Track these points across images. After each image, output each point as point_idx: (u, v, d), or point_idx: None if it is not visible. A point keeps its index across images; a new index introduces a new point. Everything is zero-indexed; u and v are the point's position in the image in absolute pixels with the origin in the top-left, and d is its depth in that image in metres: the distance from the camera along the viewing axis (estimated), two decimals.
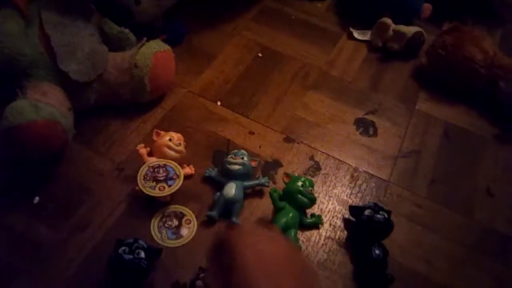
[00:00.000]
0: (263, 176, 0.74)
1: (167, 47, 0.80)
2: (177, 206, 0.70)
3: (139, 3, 0.87)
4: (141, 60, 0.76)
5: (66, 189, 0.71)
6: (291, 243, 0.57)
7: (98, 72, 0.75)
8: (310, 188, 0.69)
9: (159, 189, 0.66)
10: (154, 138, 0.72)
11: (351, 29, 1.03)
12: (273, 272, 0.43)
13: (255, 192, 0.73)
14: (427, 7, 1.02)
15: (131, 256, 0.58)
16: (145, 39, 0.79)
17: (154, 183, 0.67)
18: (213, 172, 0.73)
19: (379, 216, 0.66)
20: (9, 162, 0.72)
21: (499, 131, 0.87)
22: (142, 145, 0.72)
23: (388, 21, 0.97)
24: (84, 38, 0.73)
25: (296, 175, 0.72)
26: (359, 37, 1.02)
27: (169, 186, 0.67)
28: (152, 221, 0.68)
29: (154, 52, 0.77)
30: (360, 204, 0.72)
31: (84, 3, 0.75)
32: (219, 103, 0.86)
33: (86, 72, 0.73)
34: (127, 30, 0.81)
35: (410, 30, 0.96)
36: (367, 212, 0.66)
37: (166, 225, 0.68)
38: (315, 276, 0.57)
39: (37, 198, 0.69)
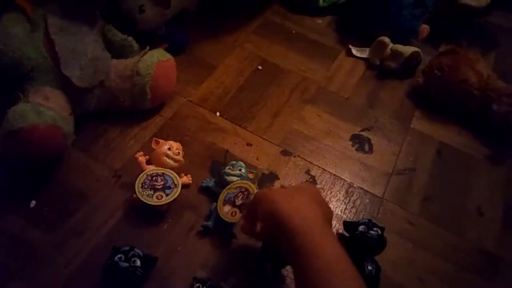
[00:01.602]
0: (260, 188, 0.75)
1: (169, 56, 0.81)
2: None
3: (143, 12, 0.87)
4: (143, 68, 0.76)
5: (63, 194, 0.71)
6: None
7: (100, 78, 0.75)
8: None
9: (157, 198, 0.67)
10: (153, 146, 0.73)
11: (350, 46, 1.05)
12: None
13: None
14: (424, 28, 1.05)
15: (127, 264, 0.58)
16: (148, 47, 0.80)
17: (152, 191, 0.67)
18: (210, 182, 0.74)
19: (372, 232, 0.67)
20: (6, 165, 0.72)
21: (491, 152, 0.89)
22: (141, 153, 0.72)
23: (386, 40, 0.99)
24: (87, 44, 0.74)
25: None
26: (358, 55, 1.04)
27: (167, 195, 0.67)
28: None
29: (157, 61, 0.78)
30: (354, 219, 0.73)
31: (89, 9, 0.75)
32: (218, 113, 0.87)
33: (88, 78, 0.73)
34: (130, 38, 0.81)
35: (408, 50, 0.98)
36: (361, 228, 0.67)
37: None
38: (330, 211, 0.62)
39: (33, 202, 0.69)
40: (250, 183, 0.70)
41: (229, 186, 0.70)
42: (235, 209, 0.68)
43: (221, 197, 0.69)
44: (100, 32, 0.78)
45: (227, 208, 0.68)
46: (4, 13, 0.67)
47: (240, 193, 0.69)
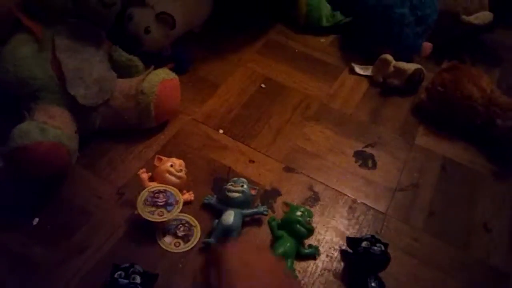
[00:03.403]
0: (262, 205, 0.75)
1: (174, 75, 0.83)
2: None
3: (148, 32, 0.90)
4: (147, 87, 0.78)
5: (66, 211, 0.71)
6: (277, 258, 0.56)
7: (105, 97, 0.77)
8: (309, 219, 0.69)
9: (158, 215, 0.67)
10: (156, 163, 0.73)
11: (353, 64, 1.06)
12: (256, 279, 0.47)
13: (253, 221, 0.73)
14: (427, 46, 1.05)
15: (127, 281, 0.58)
16: (152, 67, 0.82)
17: (154, 208, 0.67)
18: (212, 199, 0.74)
19: (375, 248, 0.66)
20: (10, 183, 0.73)
21: (496, 167, 0.88)
22: (144, 169, 0.73)
23: (389, 57, 1.00)
24: (93, 64, 0.76)
25: (295, 204, 0.73)
26: (361, 72, 1.05)
27: (168, 211, 0.67)
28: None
29: (161, 80, 0.79)
30: (358, 235, 0.73)
31: (95, 30, 0.78)
32: (221, 131, 0.87)
33: (93, 97, 0.75)
34: (135, 58, 0.83)
35: (411, 67, 0.98)
36: (364, 244, 0.67)
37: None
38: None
39: (36, 220, 0.69)
40: (189, 216, 0.72)
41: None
42: (178, 240, 0.69)
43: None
44: (106, 53, 0.80)
45: (168, 239, 0.69)
46: (14, 34, 0.69)
47: (180, 225, 0.70)
